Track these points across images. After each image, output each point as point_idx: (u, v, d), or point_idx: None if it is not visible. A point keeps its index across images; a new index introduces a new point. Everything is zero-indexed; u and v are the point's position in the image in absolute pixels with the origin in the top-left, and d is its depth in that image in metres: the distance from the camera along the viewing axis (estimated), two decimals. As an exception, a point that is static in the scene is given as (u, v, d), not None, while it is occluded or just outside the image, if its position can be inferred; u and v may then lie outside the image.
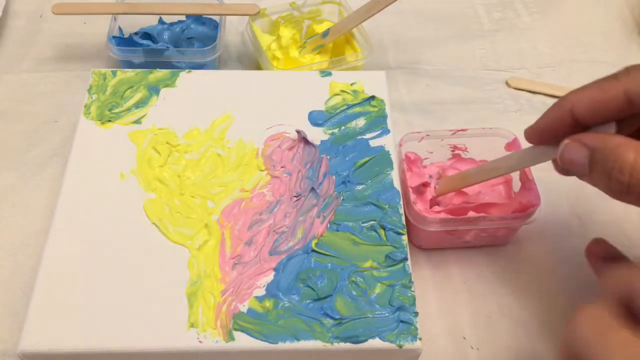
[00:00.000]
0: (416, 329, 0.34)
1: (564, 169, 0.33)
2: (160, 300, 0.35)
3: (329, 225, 0.38)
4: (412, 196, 0.40)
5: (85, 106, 0.43)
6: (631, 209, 0.44)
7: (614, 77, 0.31)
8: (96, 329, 0.34)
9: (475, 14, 0.60)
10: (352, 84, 0.45)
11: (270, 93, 0.44)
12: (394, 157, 0.41)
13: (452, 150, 0.45)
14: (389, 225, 0.38)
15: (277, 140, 0.42)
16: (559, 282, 0.42)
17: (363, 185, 0.40)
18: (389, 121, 0.43)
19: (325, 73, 0.46)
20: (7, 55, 0.54)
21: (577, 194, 0.46)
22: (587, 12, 0.60)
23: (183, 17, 0.54)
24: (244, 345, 0.33)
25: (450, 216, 0.40)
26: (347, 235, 0.38)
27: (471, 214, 0.40)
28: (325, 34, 0.51)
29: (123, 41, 0.52)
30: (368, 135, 0.42)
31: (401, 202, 0.39)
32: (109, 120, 0.42)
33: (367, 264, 0.36)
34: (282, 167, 0.41)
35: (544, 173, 0.39)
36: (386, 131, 0.43)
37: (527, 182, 0.41)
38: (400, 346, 0.33)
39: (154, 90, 0.44)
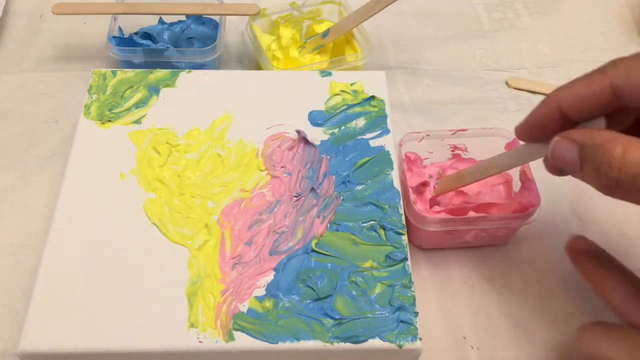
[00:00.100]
0: (416, 329, 0.34)
1: (556, 167, 0.33)
2: (160, 300, 0.35)
3: (329, 225, 0.38)
4: (412, 196, 0.40)
5: (85, 106, 0.43)
6: (631, 208, 0.44)
7: (600, 70, 0.30)
8: (96, 329, 0.34)
9: (475, 14, 0.60)
10: (352, 84, 0.45)
11: (270, 93, 0.44)
12: (394, 157, 0.41)
13: (452, 150, 0.45)
14: (389, 225, 0.38)
15: (277, 140, 0.42)
16: (559, 282, 0.42)
17: (363, 185, 0.40)
18: (389, 121, 0.43)
19: (325, 73, 0.46)
20: (7, 55, 0.54)
21: (577, 194, 0.46)
22: (587, 12, 0.60)
23: (183, 17, 0.54)
24: (244, 345, 0.33)
25: (450, 216, 0.40)
26: (347, 235, 0.38)
27: (471, 214, 0.40)
28: (325, 34, 0.51)
29: (123, 41, 0.52)
30: (368, 135, 0.42)
31: (401, 202, 0.39)
32: (109, 120, 0.42)
33: (367, 264, 0.36)
34: (282, 167, 0.41)
35: (544, 173, 0.39)
36: (386, 131, 0.43)
37: (527, 182, 0.41)
38: (400, 346, 0.33)
39: (154, 90, 0.44)
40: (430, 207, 0.42)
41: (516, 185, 0.42)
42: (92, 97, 0.44)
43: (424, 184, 0.42)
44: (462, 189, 0.42)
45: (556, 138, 0.31)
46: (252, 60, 0.55)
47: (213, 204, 0.39)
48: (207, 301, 0.35)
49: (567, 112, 0.31)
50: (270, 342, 0.33)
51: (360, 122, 0.43)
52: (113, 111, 0.43)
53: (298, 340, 0.34)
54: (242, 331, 0.34)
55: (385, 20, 0.58)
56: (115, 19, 0.52)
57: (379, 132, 0.43)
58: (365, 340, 0.34)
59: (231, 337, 0.34)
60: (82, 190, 0.39)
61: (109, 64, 0.54)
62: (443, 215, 0.40)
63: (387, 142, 0.42)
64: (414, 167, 0.43)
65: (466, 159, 0.45)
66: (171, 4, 0.50)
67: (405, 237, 0.38)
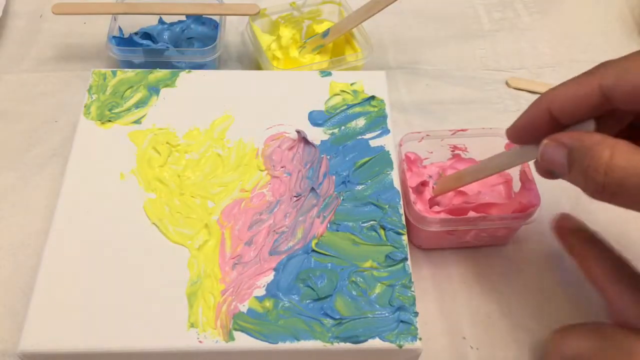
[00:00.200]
0: (416, 329, 0.34)
1: (546, 170, 0.33)
2: (160, 300, 0.35)
3: (329, 225, 0.38)
4: (412, 196, 0.40)
5: (85, 106, 0.43)
6: (631, 208, 0.44)
7: (590, 72, 0.30)
8: (96, 329, 0.33)
9: (475, 14, 0.60)
10: (352, 84, 0.45)
11: (270, 93, 0.44)
12: (394, 157, 0.41)
13: (452, 151, 0.45)
14: (389, 225, 0.38)
15: (277, 140, 0.42)
16: (559, 282, 0.42)
17: (363, 185, 0.40)
18: (389, 121, 0.43)
19: (325, 73, 0.46)
20: (7, 55, 0.54)
21: (577, 194, 0.45)
22: (587, 12, 0.60)
23: (183, 17, 0.54)
24: (244, 345, 0.33)
25: (450, 216, 0.40)
26: (347, 235, 0.38)
27: (471, 214, 0.40)
28: (325, 34, 0.51)
29: (123, 41, 0.52)
30: (368, 135, 0.42)
31: (401, 202, 0.39)
32: (109, 120, 0.42)
33: (367, 264, 0.36)
34: (282, 167, 0.41)
35: (544, 173, 0.39)
36: (386, 131, 0.43)
37: (527, 182, 0.41)
38: (400, 346, 0.33)
39: (154, 90, 0.44)
40: (430, 207, 0.42)
41: (516, 185, 0.42)
42: (92, 97, 0.44)
43: (423, 184, 0.42)
44: (462, 189, 0.42)
45: (545, 140, 0.31)
46: (252, 60, 0.55)
47: (213, 204, 0.39)
48: (207, 301, 0.35)
49: (557, 114, 0.31)
50: (270, 342, 0.33)
51: (360, 122, 0.43)
52: (113, 111, 0.43)
53: (298, 340, 0.34)
54: (242, 331, 0.34)
55: (385, 20, 0.58)
56: (115, 19, 0.52)
57: (379, 132, 0.43)
58: (365, 340, 0.34)
59: (231, 337, 0.34)
60: (82, 190, 0.39)
61: (109, 64, 0.54)
62: (443, 216, 0.40)
63: (387, 142, 0.42)
64: (413, 167, 0.43)
65: (466, 159, 0.45)
66: (171, 4, 0.50)
67: (405, 237, 0.38)
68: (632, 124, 0.32)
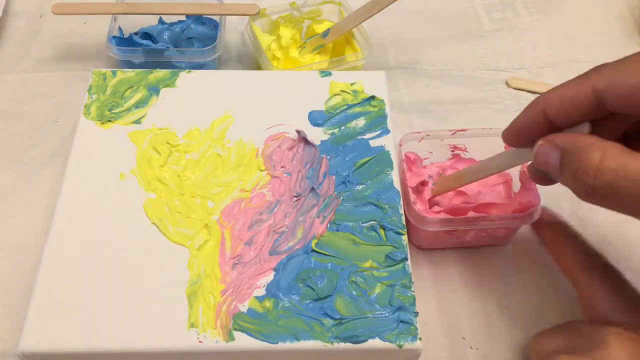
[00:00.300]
0: (416, 328, 0.34)
1: (540, 175, 0.33)
2: (160, 300, 0.35)
3: (329, 225, 0.38)
4: (412, 196, 0.40)
5: (85, 106, 0.43)
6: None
7: (585, 75, 0.30)
8: (96, 329, 0.34)
9: (475, 14, 0.60)
10: (352, 84, 0.45)
11: (270, 93, 0.44)
12: (393, 157, 0.41)
13: (452, 151, 0.45)
14: (389, 225, 0.38)
15: (277, 140, 0.42)
16: (559, 282, 0.42)
17: (363, 185, 0.40)
18: (388, 121, 0.43)
19: (325, 73, 0.46)
20: (7, 55, 0.54)
21: (577, 194, 0.46)
22: (587, 12, 0.60)
23: (183, 17, 0.54)
24: (244, 345, 0.33)
25: (450, 216, 0.40)
26: (347, 235, 0.38)
27: (471, 214, 0.40)
28: (325, 34, 0.51)
29: (123, 41, 0.52)
30: (368, 135, 0.42)
31: (401, 202, 0.39)
32: (109, 120, 0.42)
33: (367, 264, 0.36)
34: (282, 167, 0.41)
35: (544, 173, 0.39)
36: (386, 131, 0.43)
37: (527, 182, 0.41)
38: (400, 346, 0.33)
39: (154, 90, 0.44)
40: (430, 207, 0.42)
41: (516, 185, 0.42)
42: (92, 97, 0.44)
43: (423, 184, 0.42)
44: (462, 189, 0.42)
45: (540, 141, 0.31)
46: (252, 60, 0.55)
47: (213, 204, 0.39)
48: (207, 301, 0.35)
49: (552, 116, 0.31)
50: (270, 342, 0.33)
51: (360, 122, 0.43)
52: (113, 111, 0.43)
53: (298, 340, 0.34)
54: (242, 331, 0.34)
55: (385, 20, 0.58)
56: (115, 19, 0.52)
57: (379, 132, 0.43)
58: (365, 340, 0.34)
59: (231, 337, 0.34)
60: (82, 190, 0.39)
61: (109, 64, 0.54)
62: (443, 216, 0.40)
63: (387, 142, 0.42)
64: (413, 167, 0.43)
65: (466, 159, 0.45)
66: (171, 4, 0.50)
67: (405, 237, 0.38)
68: (639, 126, 0.32)
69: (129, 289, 0.35)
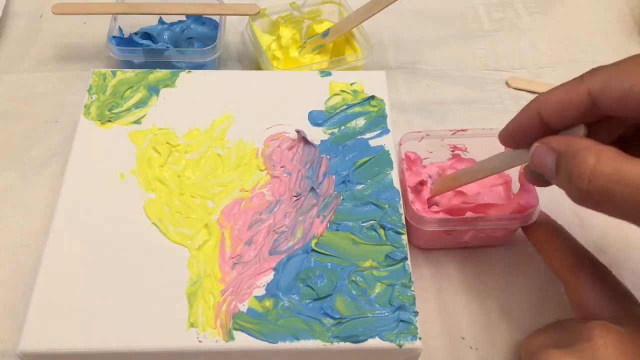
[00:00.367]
0: (416, 328, 0.34)
1: (535, 177, 0.33)
2: (160, 300, 0.35)
3: (328, 225, 0.38)
4: (411, 196, 0.40)
5: (85, 106, 0.43)
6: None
7: (580, 78, 0.30)
8: (96, 329, 0.34)
9: (475, 14, 0.60)
10: (352, 84, 0.45)
11: (270, 93, 0.45)
12: (393, 157, 0.41)
13: (452, 151, 0.45)
14: (389, 224, 0.38)
15: (277, 140, 0.42)
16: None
17: (363, 185, 0.40)
18: (388, 121, 0.43)
19: (325, 73, 0.46)
20: (7, 55, 0.54)
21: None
22: (587, 12, 0.60)
23: (183, 17, 0.54)
24: (243, 344, 0.33)
25: (448, 216, 0.40)
26: (347, 235, 0.38)
27: (469, 214, 0.40)
28: (325, 34, 0.51)
29: (123, 41, 0.52)
30: (368, 135, 0.42)
31: (401, 202, 0.39)
32: (109, 120, 0.42)
33: (367, 264, 0.36)
34: (282, 167, 0.41)
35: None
36: (386, 131, 0.43)
37: (525, 184, 0.41)
38: (400, 345, 0.33)
39: (154, 90, 0.44)
40: (429, 207, 0.42)
41: (515, 186, 0.42)
42: (92, 97, 0.44)
43: (422, 183, 0.42)
44: (461, 189, 0.42)
45: (536, 143, 0.31)
46: (252, 60, 0.55)
47: (213, 204, 0.39)
48: (207, 301, 0.35)
49: (547, 118, 0.31)
50: (270, 342, 0.33)
51: (360, 121, 0.43)
52: (113, 111, 0.43)
53: (298, 339, 0.34)
54: (242, 331, 0.34)
55: (385, 20, 0.58)
56: (115, 19, 0.52)
57: (378, 131, 0.43)
58: (365, 340, 0.34)
59: (231, 337, 0.34)
60: (82, 190, 0.39)
61: (109, 64, 0.54)
62: (440, 215, 0.40)
63: (387, 142, 0.42)
64: (413, 167, 0.43)
65: (466, 159, 0.45)
66: (171, 4, 0.50)
67: (405, 237, 0.38)
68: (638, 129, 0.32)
69: (129, 288, 0.35)
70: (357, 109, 0.44)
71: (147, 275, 0.36)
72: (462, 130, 0.43)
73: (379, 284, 0.36)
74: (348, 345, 0.33)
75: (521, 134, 0.33)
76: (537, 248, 0.40)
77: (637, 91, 0.27)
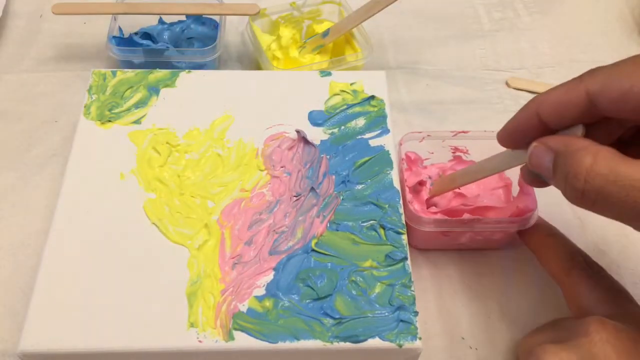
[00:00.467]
0: (416, 328, 0.34)
1: (533, 177, 0.33)
2: (160, 300, 0.35)
3: (328, 225, 0.38)
4: (409, 195, 0.40)
5: (85, 106, 0.43)
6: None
7: (578, 78, 0.30)
8: (96, 329, 0.34)
9: (475, 14, 0.60)
10: (352, 84, 0.45)
11: (270, 93, 0.45)
12: (393, 157, 0.41)
13: (453, 152, 0.45)
14: (389, 224, 0.38)
15: (277, 140, 0.42)
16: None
17: (363, 185, 0.40)
18: (388, 121, 0.43)
19: (325, 73, 0.46)
20: (7, 55, 0.54)
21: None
22: (587, 12, 0.60)
23: (183, 17, 0.54)
24: (243, 344, 0.33)
25: (445, 217, 0.39)
26: (347, 235, 0.38)
27: (466, 216, 0.40)
28: (325, 34, 0.51)
29: (123, 41, 0.52)
30: (368, 135, 0.42)
31: (401, 202, 0.39)
32: (109, 120, 0.42)
33: (367, 264, 0.36)
34: (282, 167, 0.41)
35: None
36: (386, 131, 0.43)
37: (525, 186, 0.41)
38: (400, 345, 0.33)
39: (153, 90, 0.44)
40: (428, 208, 0.42)
41: (516, 189, 0.42)
42: (92, 97, 0.44)
43: (421, 183, 0.42)
44: (461, 191, 0.42)
45: (535, 143, 0.31)
46: (252, 60, 0.55)
47: (213, 204, 0.39)
48: (207, 301, 0.35)
49: (545, 118, 0.31)
50: (270, 342, 0.33)
51: (360, 121, 0.43)
52: (113, 111, 0.43)
53: (298, 339, 0.34)
54: (242, 331, 0.34)
55: (385, 20, 0.58)
56: (115, 19, 0.52)
57: (378, 131, 0.43)
58: (365, 340, 0.34)
59: (231, 337, 0.34)
60: (82, 190, 0.39)
61: (109, 64, 0.54)
62: (438, 216, 0.40)
63: (387, 142, 0.42)
64: (414, 167, 0.43)
65: (467, 161, 0.45)
66: (171, 4, 0.50)
67: (405, 237, 0.38)
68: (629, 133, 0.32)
69: (129, 288, 0.35)
70: (357, 109, 0.44)
71: (147, 275, 0.36)
72: (464, 132, 0.43)
73: (379, 284, 0.36)
74: (348, 345, 0.33)
75: (520, 134, 0.33)
76: (530, 249, 0.40)
77: (637, 92, 0.27)
